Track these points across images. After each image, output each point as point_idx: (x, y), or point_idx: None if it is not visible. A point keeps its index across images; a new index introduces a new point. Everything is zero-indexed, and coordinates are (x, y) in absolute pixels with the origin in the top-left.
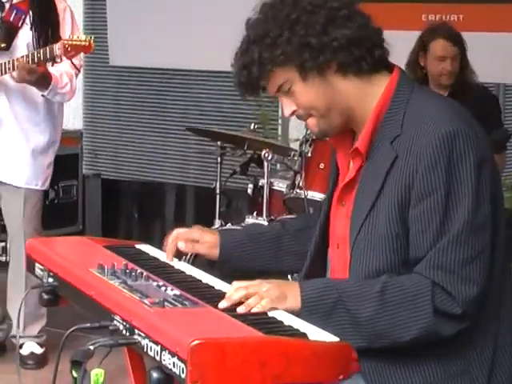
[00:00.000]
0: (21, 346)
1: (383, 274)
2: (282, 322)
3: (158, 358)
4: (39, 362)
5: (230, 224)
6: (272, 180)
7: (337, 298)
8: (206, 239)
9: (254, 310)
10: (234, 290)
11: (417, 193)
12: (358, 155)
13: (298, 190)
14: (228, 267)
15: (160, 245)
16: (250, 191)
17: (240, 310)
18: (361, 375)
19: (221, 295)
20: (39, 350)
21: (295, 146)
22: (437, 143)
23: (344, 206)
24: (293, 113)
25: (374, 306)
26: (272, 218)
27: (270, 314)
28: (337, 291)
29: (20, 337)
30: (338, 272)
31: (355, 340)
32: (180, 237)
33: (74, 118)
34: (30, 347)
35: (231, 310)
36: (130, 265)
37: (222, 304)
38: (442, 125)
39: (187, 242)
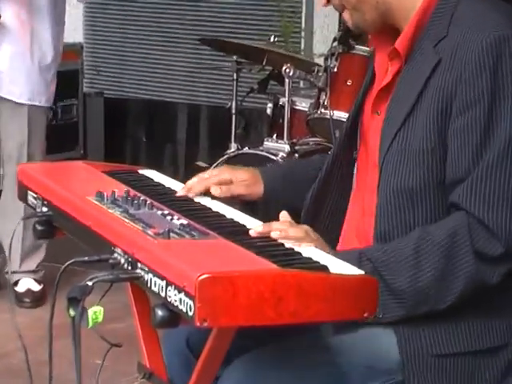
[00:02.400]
0: (16, 283)
1: (415, 195)
2: (300, 254)
3: (162, 294)
4: (36, 299)
5: (247, 148)
6: (294, 99)
7: (372, 269)
8: (241, 177)
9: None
10: (278, 224)
11: (459, 103)
12: (396, 57)
13: (322, 110)
14: (276, 205)
15: (170, 171)
16: (269, 111)
17: (274, 234)
18: (393, 329)
19: (234, 225)
20: (37, 287)
21: (320, 61)
22: (484, 48)
23: (380, 115)
24: (327, 2)
25: (410, 272)
26: (294, 141)
27: (287, 245)
28: (370, 262)
29: (15, 272)
30: (365, 192)
31: (394, 311)
32: (208, 182)
33: (74, 29)
34: (27, 284)
35: (246, 242)
36: (132, 192)
37: (256, 233)
38: (492, 29)
39: (220, 185)
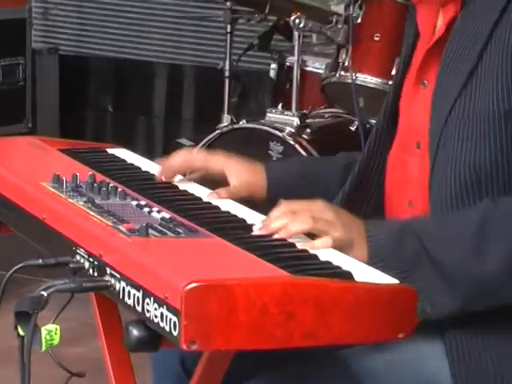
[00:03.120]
0: None
1: (483, 176)
2: (316, 257)
3: (138, 309)
4: None
5: (244, 121)
6: (305, 58)
7: (417, 246)
8: (240, 173)
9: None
10: (280, 213)
11: None
12: (451, 0)
13: (342, 72)
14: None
15: (145, 150)
16: (272, 74)
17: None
18: (443, 347)
19: (231, 219)
20: None
21: (339, 9)
22: None
23: (426, 86)
24: None
25: (471, 251)
26: (305, 112)
27: (299, 245)
28: (415, 236)
29: None
30: (409, 185)
31: (446, 303)
32: (194, 164)
33: None
34: None
35: (247, 242)
36: (100, 176)
37: (260, 230)
38: None
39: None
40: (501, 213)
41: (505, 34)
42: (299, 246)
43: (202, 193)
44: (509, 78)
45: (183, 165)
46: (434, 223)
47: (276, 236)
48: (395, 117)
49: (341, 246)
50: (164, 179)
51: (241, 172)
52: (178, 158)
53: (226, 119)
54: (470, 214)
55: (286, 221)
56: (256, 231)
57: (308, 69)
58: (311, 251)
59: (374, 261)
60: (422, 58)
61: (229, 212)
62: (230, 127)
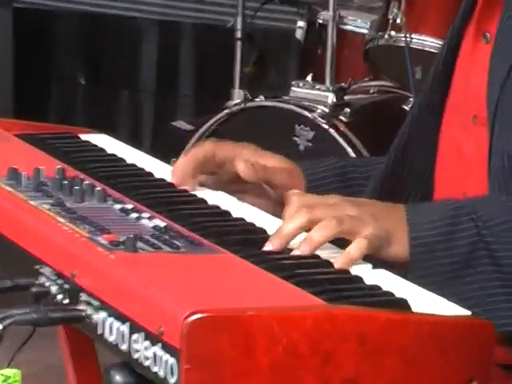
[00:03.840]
0: None
1: None
2: (360, 280)
3: (124, 347)
4: None
5: (261, 97)
6: (343, 13)
7: (474, 236)
8: (275, 163)
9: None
10: (293, 212)
11: None
12: None
13: (392, 33)
14: None
15: (129, 136)
16: (299, 35)
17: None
18: None
19: (247, 229)
20: None
21: None
22: None
23: (490, 41)
24: None
25: None
26: (343, 85)
27: (326, 257)
28: (473, 221)
29: None
30: (461, 168)
31: (503, 315)
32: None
33: None
34: None
35: (267, 259)
36: (71, 170)
37: (271, 243)
38: None
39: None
40: None
41: None
42: (326, 257)
43: (207, 195)
44: None
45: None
46: (498, 203)
47: (297, 252)
48: (447, 85)
49: (379, 245)
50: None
51: (273, 160)
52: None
53: (238, 95)
54: None
55: (304, 218)
56: (268, 245)
57: (347, 28)
58: (352, 271)
59: (416, 256)
60: (481, 5)
61: (243, 219)
62: (243, 106)
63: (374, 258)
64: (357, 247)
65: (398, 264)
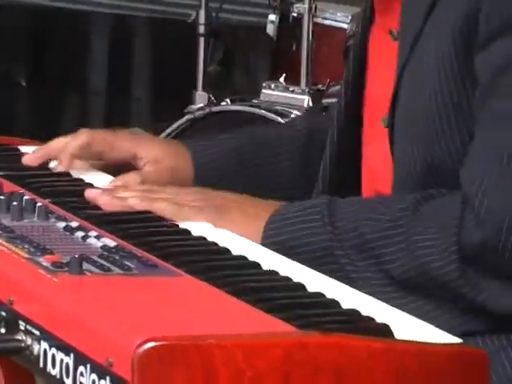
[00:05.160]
0: None
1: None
2: (337, 305)
3: (68, 381)
4: None
5: (227, 101)
6: (320, 5)
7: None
8: (150, 153)
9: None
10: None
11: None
12: None
13: None
14: None
15: None
16: (271, 30)
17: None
18: None
19: (215, 251)
20: None
21: None
22: None
23: (397, 38)
24: None
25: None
26: (319, 87)
27: (296, 275)
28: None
29: None
30: (377, 173)
31: None
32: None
33: None
34: None
35: (231, 281)
36: (8, 185)
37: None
38: None
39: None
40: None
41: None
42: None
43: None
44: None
45: (81, 150)
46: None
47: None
48: (360, 89)
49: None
50: (57, 168)
51: (158, 155)
52: (74, 142)
53: (201, 98)
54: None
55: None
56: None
57: (325, 22)
58: (317, 287)
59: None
60: None
61: (204, 238)
62: (207, 110)
63: None
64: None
65: None
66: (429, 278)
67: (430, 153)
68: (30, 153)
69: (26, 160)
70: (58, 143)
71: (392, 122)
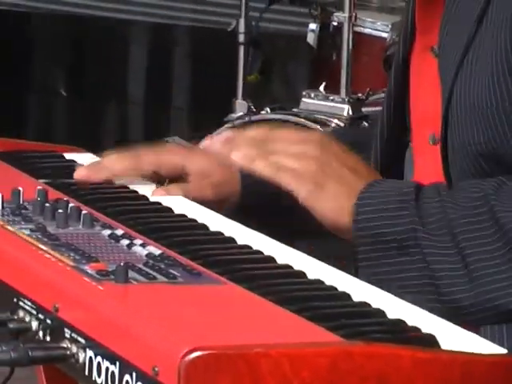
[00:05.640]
0: None
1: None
2: (382, 314)
3: None
4: None
5: (267, 110)
6: (360, 15)
7: (410, 231)
8: (201, 167)
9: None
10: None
11: None
12: None
13: None
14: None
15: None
16: (311, 39)
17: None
18: None
19: (258, 258)
20: None
21: None
22: None
23: (438, 54)
24: None
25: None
26: (359, 96)
27: (341, 284)
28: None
29: None
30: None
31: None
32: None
33: None
34: None
35: (276, 290)
36: (54, 192)
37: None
38: None
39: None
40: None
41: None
42: (340, 286)
43: (208, 217)
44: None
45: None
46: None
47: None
48: (403, 95)
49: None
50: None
51: (206, 169)
52: (123, 163)
53: (241, 107)
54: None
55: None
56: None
57: (365, 31)
58: (363, 295)
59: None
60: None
61: (249, 247)
62: (247, 119)
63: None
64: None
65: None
66: None
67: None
68: (84, 169)
69: (78, 175)
70: (117, 165)
71: (445, 137)
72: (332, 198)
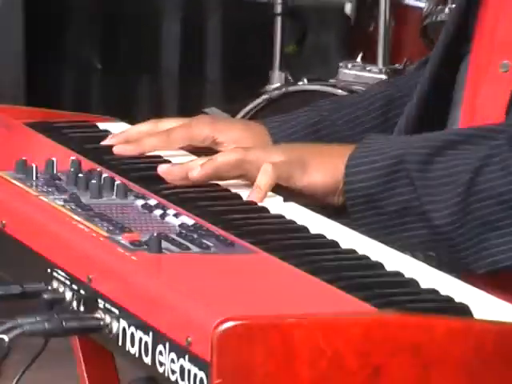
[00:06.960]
0: None
1: None
2: (415, 283)
3: (147, 360)
4: None
5: (304, 81)
6: None
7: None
8: (233, 137)
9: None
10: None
11: None
12: None
13: (454, 6)
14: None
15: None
16: (348, 9)
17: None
18: None
19: (291, 228)
20: None
21: None
22: None
23: None
24: None
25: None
26: (397, 66)
27: (374, 254)
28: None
29: None
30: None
31: None
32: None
33: None
34: None
35: (309, 260)
36: (87, 163)
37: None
38: None
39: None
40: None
41: None
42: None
43: (239, 188)
44: None
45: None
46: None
47: (195, 174)
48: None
49: (287, 172)
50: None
51: (237, 137)
52: (154, 141)
53: (278, 78)
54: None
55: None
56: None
57: (402, 1)
58: (394, 265)
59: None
60: None
61: (282, 217)
62: (284, 90)
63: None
64: (263, 176)
65: (309, 194)
66: None
67: None
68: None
69: (117, 150)
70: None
71: None
72: (320, 169)
